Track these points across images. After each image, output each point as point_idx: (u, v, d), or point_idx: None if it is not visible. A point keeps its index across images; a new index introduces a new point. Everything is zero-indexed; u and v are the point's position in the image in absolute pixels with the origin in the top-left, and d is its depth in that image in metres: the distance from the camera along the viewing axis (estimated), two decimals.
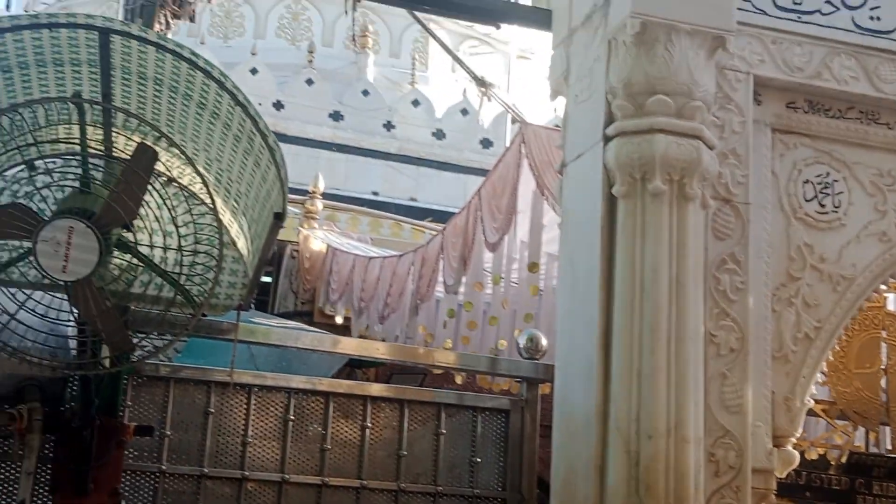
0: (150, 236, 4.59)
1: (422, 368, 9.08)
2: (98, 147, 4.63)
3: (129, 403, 5.09)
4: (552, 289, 8.05)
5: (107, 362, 4.59)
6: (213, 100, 4.61)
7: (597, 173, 4.41)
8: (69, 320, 4.63)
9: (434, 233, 11.05)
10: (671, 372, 4.12)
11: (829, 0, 4.81)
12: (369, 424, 5.49)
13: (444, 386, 8.68)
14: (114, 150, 4.71)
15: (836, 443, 7.15)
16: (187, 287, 4.62)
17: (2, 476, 4.86)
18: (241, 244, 5.20)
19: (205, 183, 4.53)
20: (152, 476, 5.11)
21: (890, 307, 7.28)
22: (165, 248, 4.59)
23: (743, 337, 4.43)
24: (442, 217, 13.58)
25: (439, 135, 18.23)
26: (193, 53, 4.43)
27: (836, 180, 4.81)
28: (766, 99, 4.76)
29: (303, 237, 13.32)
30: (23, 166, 4.54)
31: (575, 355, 4.48)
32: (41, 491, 4.80)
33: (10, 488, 4.81)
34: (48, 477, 4.80)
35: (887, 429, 7.76)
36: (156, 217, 4.53)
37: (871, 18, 4.84)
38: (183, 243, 4.50)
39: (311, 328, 9.26)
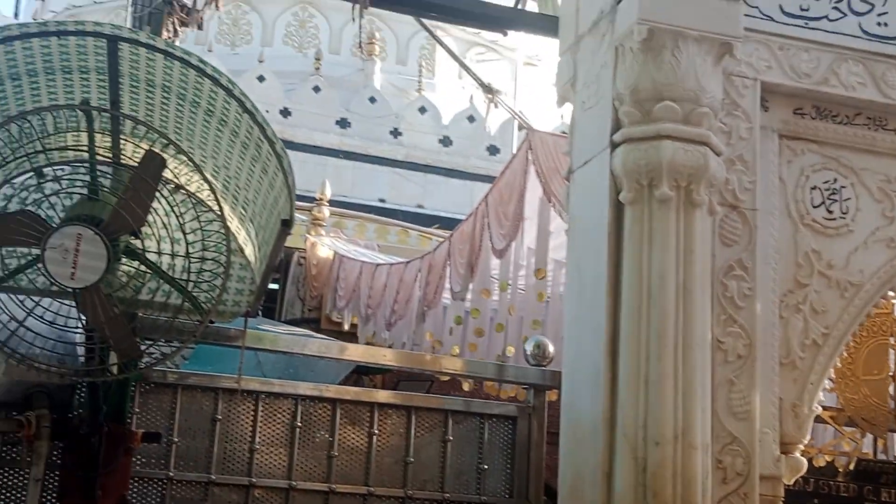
0: (158, 243, 4.60)
1: (429, 375, 9.09)
2: (106, 154, 4.64)
3: (137, 410, 5.10)
4: (559, 295, 8.05)
5: (115, 369, 4.60)
6: (221, 107, 4.62)
7: (604, 180, 4.41)
8: (77, 327, 4.64)
9: (441, 239, 11.05)
10: (678, 378, 4.11)
11: (836, 6, 4.81)
12: (376, 431, 5.49)
13: (452, 393, 8.68)
14: (122, 157, 4.72)
15: (844, 450, 7.12)
16: (195, 294, 4.63)
17: (10, 483, 4.87)
18: (249, 251, 5.21)
19: (212, 190, 4.54)
20: (160, 483, 5.11)
21: None
22: (173, 255, 4.60)
23: (750, 343, 4.43)
24: (449, 224, 13.59)
25: (446, 142, 18.24)
26: (201, 61, 4.44)
27: (843, 186, 4.80)
28: (774, 105, 4.76)
29: (310, 244, 13.34)
30: (31, 173, 4.56)
31: (582, 362, 4.48)
32: (49, 498, 4.81)
33: (19, 495, 4.82)
34: (56, 484, 4.81)
35: (895, 436, 7.74)
36: (164, 224, 4.54)
37: (879, 24, 4.84)
38: (191, 250, 4.52)
39: (319, 335, 9.26)
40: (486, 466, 5.62)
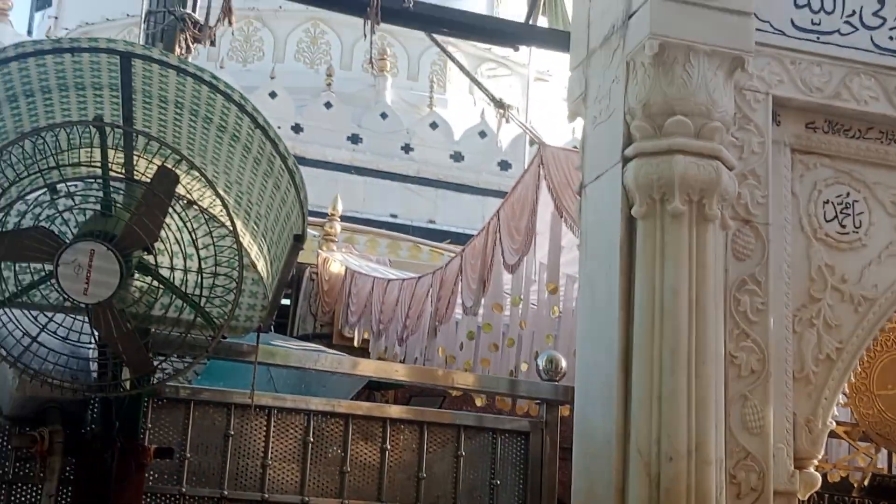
0: (171, 259, 4.61)
1: (441, 390, 9.07)
2: (119, 170, 4.66)
3: (150, 426, 5.10)
4: (571, 310, 8.04)
5: (127, 384, 4.61)
6: (234, 123, 4.64)
7: (616, 194, 4.40)
8: (90, 343, 4.65)
9: (453, 255, 11.05)
10: (692, 393, 4.10)
11: (848, 20, 4.80)
12: (389, 446, 5.49)
13: (464, 408, 8.67)
14: (135, 173, 4.74)
15: (859, 465, 7.08)
16: (207, 309, 4.64)
17: (23, 499, 4.88)
18: (261, 266, 5.21)
19: (225, 205, 4.55)
20: (172, 499, 5.12)
21: None
22: (186, 271, 4.61)
23: (764, 358, 4.41)
24: (460, 239, 13.59)
25: (457, 157, 18.25)
26: (214, 77, 4.46)
27: (856, 200, 4.79)
28: (786, 119, 4.75)
29: (322, 259, 13.35)
30: (45, 189, 4.58)
31: (595, 377, 4.47)
32: None
33: None
34: (69, 500, 4.81)
35: None
36: (176, 239, 4.55)
37: (891, 38, 4.83)
38: (203, 265, 4.52)
39: (331, 350, 9.26)
40: (498, 482, 5.61)
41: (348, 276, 12.67)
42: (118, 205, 4.57)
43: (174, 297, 4.69)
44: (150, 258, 4.58)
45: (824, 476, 5.67)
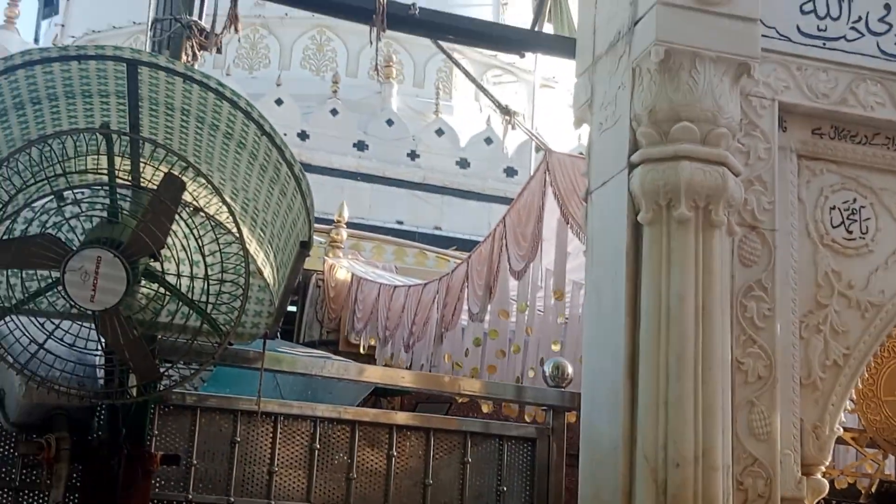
0: (178, 265, 4.61)
1: (448, 397, 9.07)
2: (126, 177, 4.67)
3: (156, 432, 5.11)
4: (578, 316, 8.03)
5: (134, 391, 4.61)
6: (240, 130, 4.65)
7: (622, 200, 4.40)
8: (97, 350, 4.65)
9: (459, 261, 11.05)
10: (698, 399, 4.09)
11: (854, 26, 4.80)
12: (395, 453, 5.48)
13: (471, 414, 8.66)
14: (142, 180, 4.75)
15: (867, 471, 7.06)
16: (214, 316, 4.64)
17: None
18: (268, 273, 5.22)
19: (231, 212, 4.56)
20: None
21: None
22: (192, 278, 4.61)
23: (770, 364, 4.40)
24: (466, 245, 13.58)
25: (463, 164, 18.26)
26: (220, 84, 4.47)
27: (862, 206, 4.78)
28: (792, 125, 4.74)
29: (328, 266, 13.35)
30: (52, 197, 4.59)
31: (601, 383, 4.46)
32: None
33: None
34: None
35: None
36: (183, 246, 4.56)
37: None
38: (209, 272, 4.53)
39: (337, 357, 9.26)
40: (504, 489, 5.60)
41: (354, 282, 12.67)
42: (125, 212, 4.58)
43: (181, 303, 4.69)
44: (157, 265, 4.59)
45: (831, 482, 5.65)
